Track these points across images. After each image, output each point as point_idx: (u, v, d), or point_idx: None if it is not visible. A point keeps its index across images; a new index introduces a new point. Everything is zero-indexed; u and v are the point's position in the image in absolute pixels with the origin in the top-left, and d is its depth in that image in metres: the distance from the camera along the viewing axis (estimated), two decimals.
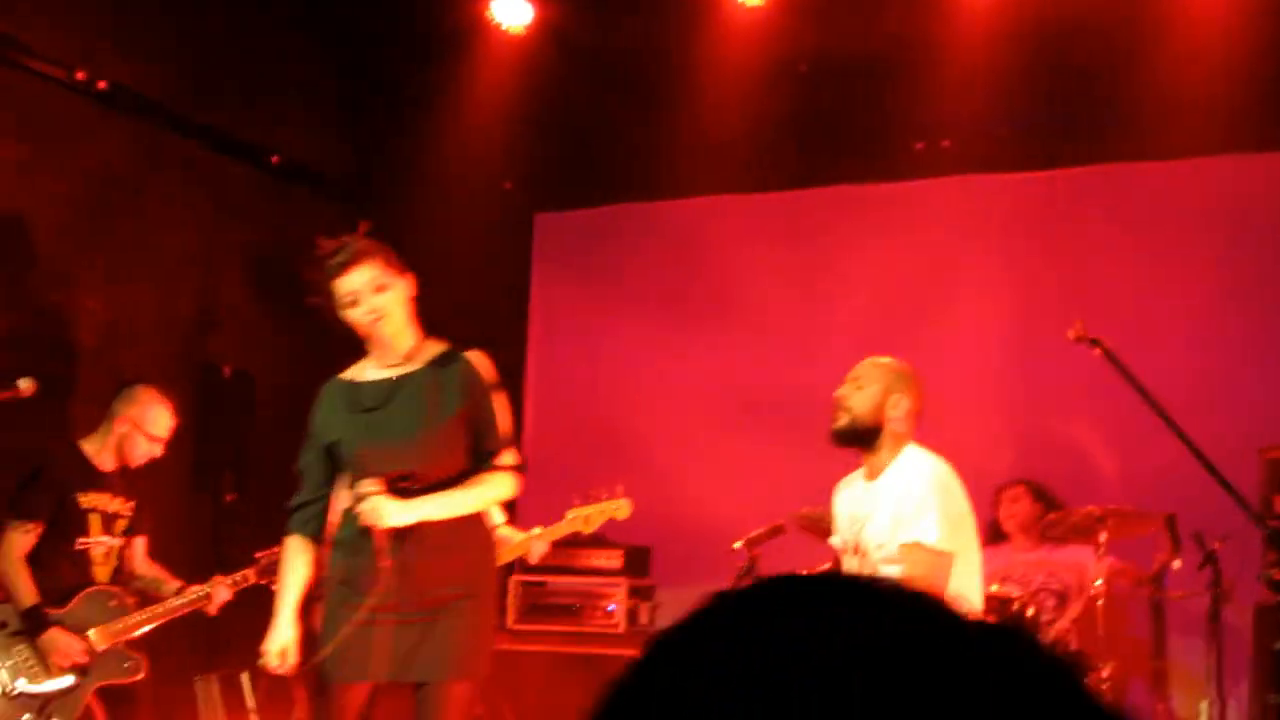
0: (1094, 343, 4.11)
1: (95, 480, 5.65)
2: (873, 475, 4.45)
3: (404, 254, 8.79)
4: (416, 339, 4.26)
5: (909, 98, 7.81)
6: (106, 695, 5.57)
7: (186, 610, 5.54)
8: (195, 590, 5.59)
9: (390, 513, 3.98)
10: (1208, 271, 7.32)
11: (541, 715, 7.11)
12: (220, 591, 5.52)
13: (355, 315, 4.16)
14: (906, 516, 4.22)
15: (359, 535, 4.08)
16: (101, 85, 7.33)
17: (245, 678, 7.32)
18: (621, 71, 8.37)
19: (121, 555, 5.71)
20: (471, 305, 8.83)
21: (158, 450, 5.78)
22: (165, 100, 7.85)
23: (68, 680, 5.35)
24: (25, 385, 5.29)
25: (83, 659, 5.34)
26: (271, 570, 5.08)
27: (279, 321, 8.63)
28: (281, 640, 4.22)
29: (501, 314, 8.86)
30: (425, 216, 9.00)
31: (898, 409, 4.41)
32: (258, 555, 5.44)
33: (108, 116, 7.51)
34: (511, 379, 8.78)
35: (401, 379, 4.21)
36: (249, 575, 5.52)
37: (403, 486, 4.06)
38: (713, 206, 8.70)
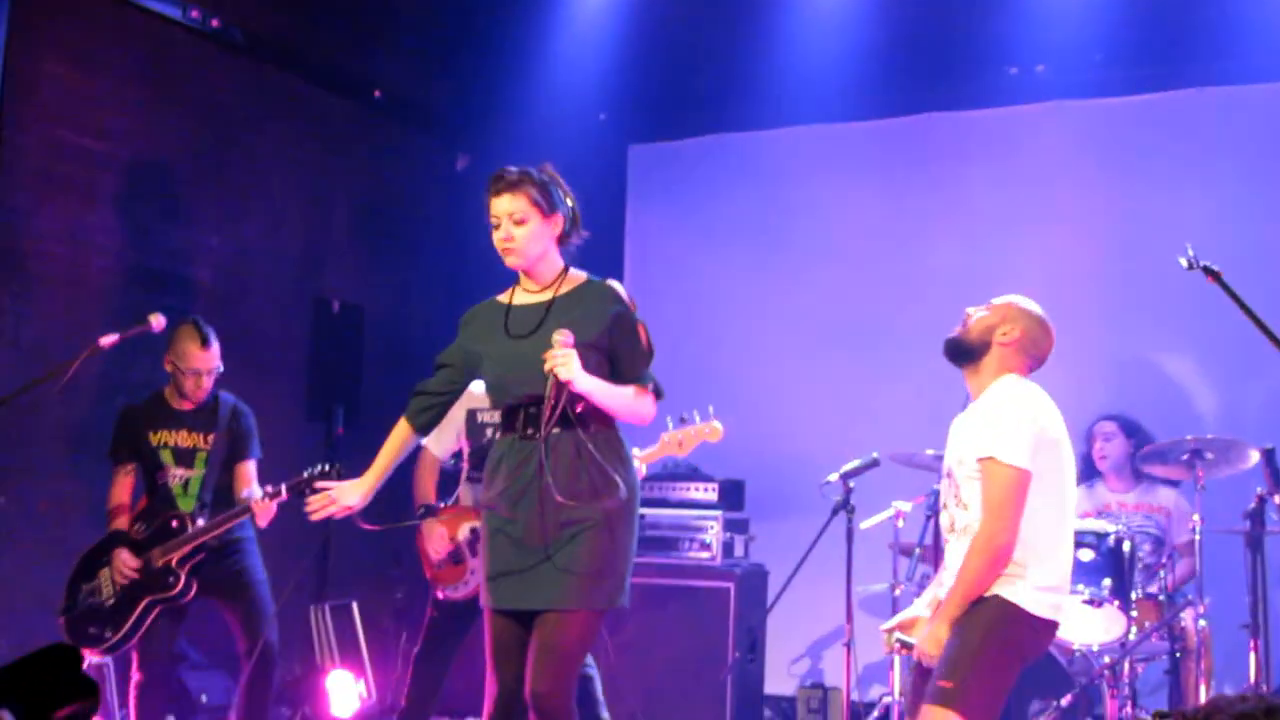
0: (1206, 269, 4.04)
1: (167, 419, 5.98)
2: (971, 398, 4.48)
3: None
4: (558, 270, 4.43)
5: (1002, 22, 7.73)
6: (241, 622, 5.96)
7: (228, 524, 5.76)
8: (240, 505, 5.85)
9: (575, 366, 4.13)
10: None
11: (638, 646, 7.22)
12: (260, 507, 5.70)
13: (495, 238, 4.38)
14: (986, 433, 4.24)
15: (509, 468, 4.29)
16: (214, 23, 7.46)
17: (355, 607, 7.52)
18: (715, 2, 8.35)
19: (216, 485, 5.95)
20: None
21: (203, 382, 5.92)
22: (273, 37, 7.99)
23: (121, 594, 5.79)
24: (156, 320, 5.49)
25: (132, 574, 5.73)
26: (301, 487, 5.45)
27: (385, 257, 8.78)
28: (350, 491, 4.52)
29: (596, 246, 8.86)
30: (522, 150, 9.03)
31: (1008, 336, 4.42)
32: (305, 474, 5.58)
33: (220, 55, 7.67)
34: None
35: (548, 307, 4.36)
36: (282, 490, 5.68)
37: (536, 411, 4.23)
38: (805, 137, 8.66)
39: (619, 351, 4.33)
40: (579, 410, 4.20)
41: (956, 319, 4.55)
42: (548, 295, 4.39)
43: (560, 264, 4.44)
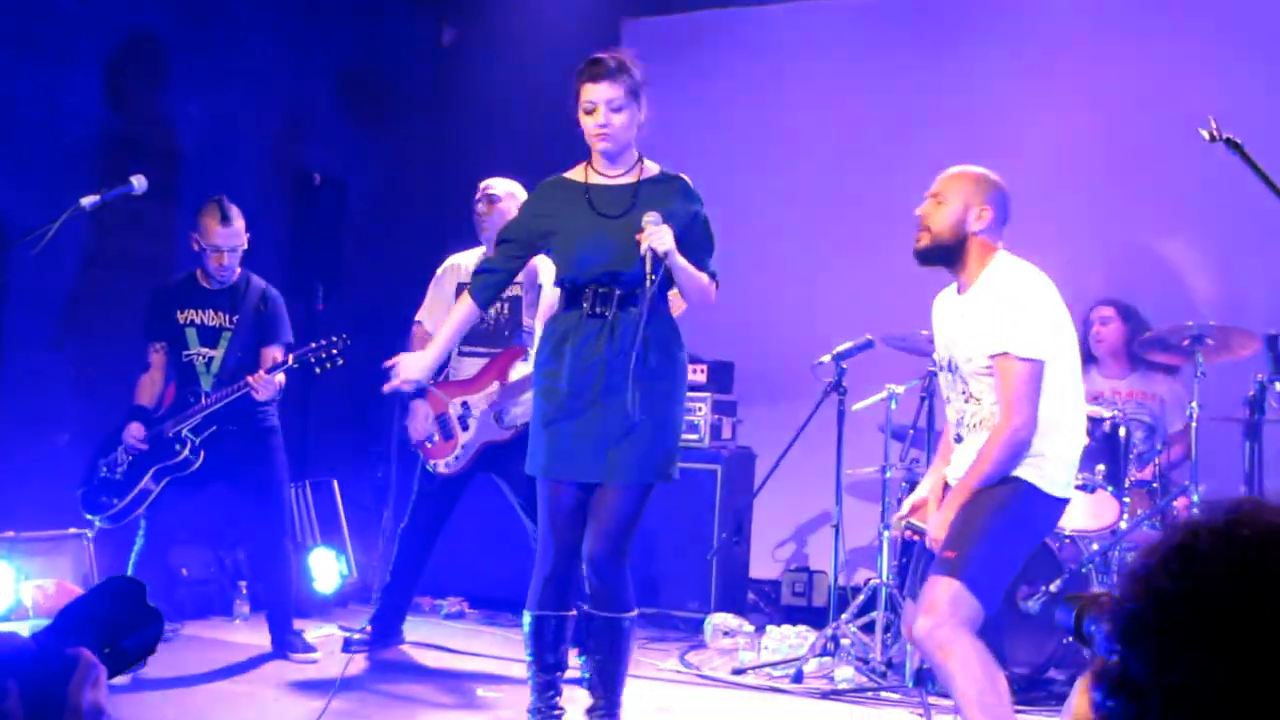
0: (1229, 141, 3.91)
1: (196, 298, 6.09)
2: (963, 289, 4.33)
3: (488, 65, 8.77)
4: (636, 156, 4.59)
5: None
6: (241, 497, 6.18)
7: (230, 398, 5.87)
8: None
9: (671, 240, 4.35)
10: None
11: None
12: (257, 379, 5.82)
13: (586, 124, 4.48)
14: (994, 327, 4.12)
15: (574, 346, 4.45)
16: None
17: (336, 484, 7.48)
18: None
19: (240, 366, 6.00)
20: (558, 113, 8.72)
21: (224, 259, 6.00)
22: None
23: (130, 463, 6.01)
24: (138, 182, 5.39)
25: (140, 444, 5.94)
26: (304, 359, 5.85)
27: (367, 130, 8.60)
28: (412, 364, 4.70)
29: None
30: (511, 24, 8.86)
31: (980, 221, 4.27)
32: (312, 345, 5.90)
33: None
34: None
35: (634, 191, 4.52)
36: (289, 359, 5.93)
37: (607, 291, 4.44)
38: (805, 11, 8.49)
39: (694, 244, 4.52)
40: (647, 290, 4.34)
41: None
42: (630, 179, 4.55)
43: (637, 152, 4.59)
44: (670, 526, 7.11)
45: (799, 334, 7.29)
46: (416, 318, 6.23)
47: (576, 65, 4.57)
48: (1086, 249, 7.31)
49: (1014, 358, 4.09)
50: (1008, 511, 4.12)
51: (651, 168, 4.60)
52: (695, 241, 4.52)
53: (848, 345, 6.32)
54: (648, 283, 4.31)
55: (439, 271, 6.27)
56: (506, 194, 6.05)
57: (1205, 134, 4.08)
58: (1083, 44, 7.65)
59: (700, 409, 7.32)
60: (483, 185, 6.15)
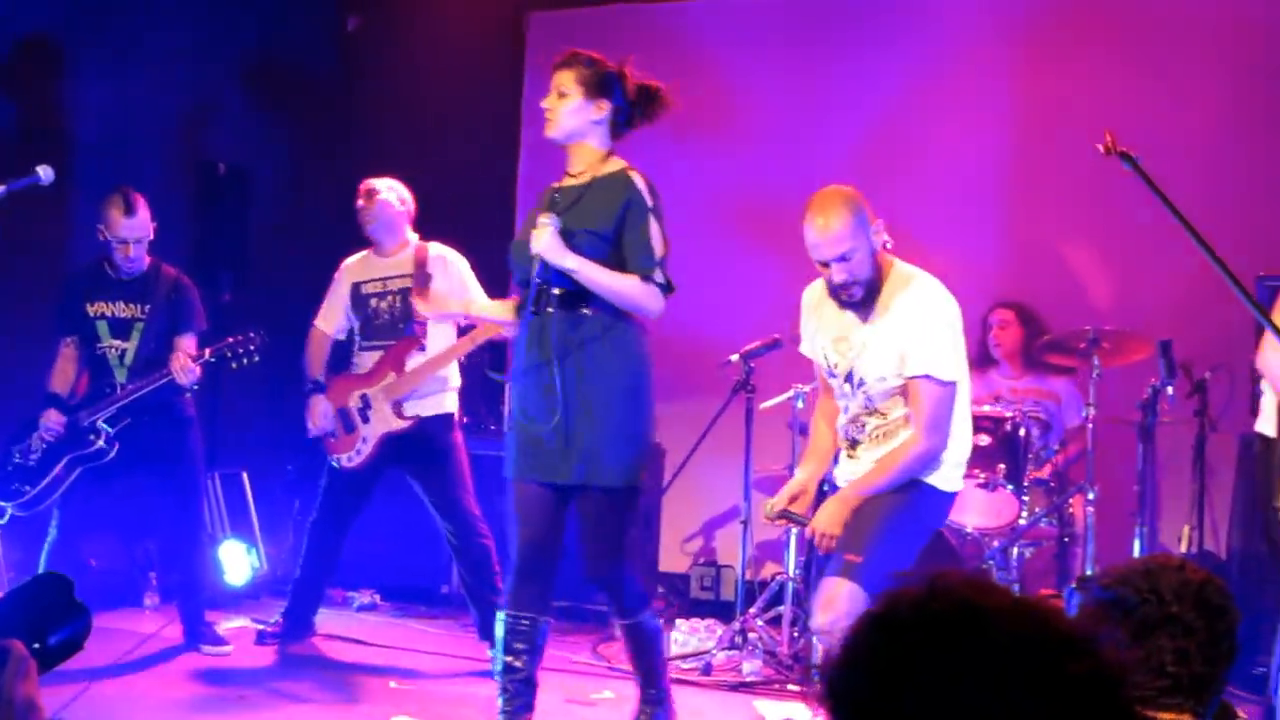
0: (1124, 156, 4.06)
1: (104, 289, 6.03)
2: (868, 306, 4.37)
3: (394, 53, 8.75)
4: (598, 156, 4.53)
5: None
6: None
7: (149, 389, 5.86)
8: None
9: (549, 242, 4.30)
10: (1213, 92, 7.24)
11: None
12: (178, 364, 5.80)
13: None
14: (914, 349, 4.22)
15: (521, 346, 4.50)
16: None
17: (246, 476, 7.46)
18: None
19: (153, 356, 5.97)
20: (463, 106, 8.74)
21: (130, 251, 5.95)
22: None
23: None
24: (44, 173, 5.28)
25: (55, 430, 5.90)
26: (223, 351, 5.87)
27: (273, 118, 8.54)
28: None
29: (491, 116, 8.76)
30: (416, 13, 8.85)
31: (879, 235, 4.36)
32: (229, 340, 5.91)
33: None
34: (503, 182, 8.78)
35: (581, 190, 4.49)
36: (205, 352, 5.89)
37: (542, 289, 4.39)
38: (710, 8, 8.55)
39: (624, 241, 4.43)
40: (562, 292, 4.35)
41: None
42: (585, 179, 4.52)
43: (602, 150, 4.54)
44: None
45: (709, 333, 7.38)
46: (315, 321, 6.35)
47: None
48: (986, 252, 7.49)
49: (935, 381, 4.21)
50: (908, 512, 4.28)
51: (613, 166, 4.54)
52: (630, 242, 4.43)
53: (756, 345, 6.44)
54: (533, 286, 4.33)
55: (336, 275, 6.36)
56: (387, 187, 6.20)
57: (1101, 148, 4.22)
58: (987, 53, 7.79)
59: None
60: (364, 183, 6.26)
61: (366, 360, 6.18)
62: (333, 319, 6.29)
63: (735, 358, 6.44)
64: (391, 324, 6.17)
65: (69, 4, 7.22)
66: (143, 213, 5.95)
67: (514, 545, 4.51)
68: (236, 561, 7.20)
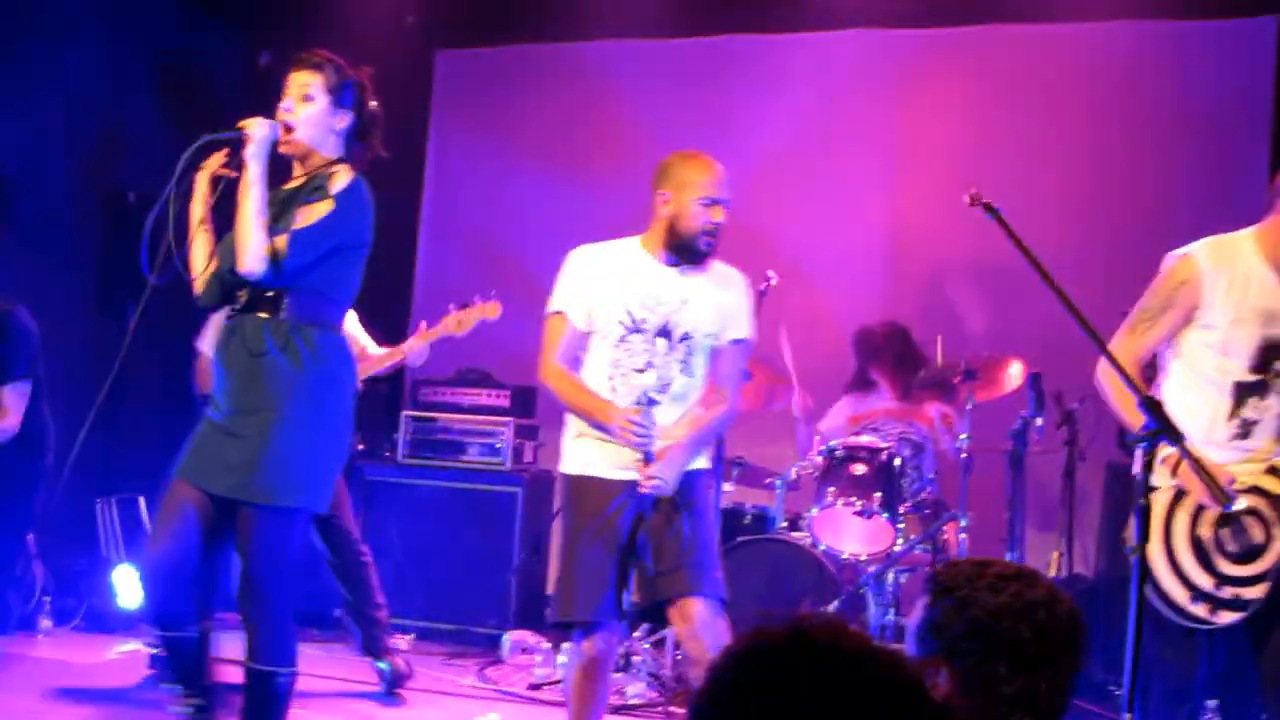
0: (987, 208, 4.27)
1: None
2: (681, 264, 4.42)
3: None
4: (327, 161, 4.28)
5: None
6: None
7: None
8: None
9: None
10: (1084, 134, 7.57)
11: (426, 547, 7.47)
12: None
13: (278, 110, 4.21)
14: (740, 312, 4.43)
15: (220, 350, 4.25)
16: None
17: (142, 501, 7.48)
18: None
19: None
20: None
21: None
22: None
23: None
24: None
25: None
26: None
27: (184, 147, 8.56)
28: None
29: (397, 151, 8.81)
30: (325, 47, 8.94)
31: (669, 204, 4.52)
32: None
33: None
34: (406, 216, 8.90)
35: (292, 193, 4.28)
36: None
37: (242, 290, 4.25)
38: (614, 51, 8.74)
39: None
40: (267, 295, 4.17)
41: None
42: (298, 184, 4.28)
43: (331, 156, 4.28)
44: (472, 547, 7.38)
45: None
46: (198, 345, 6.33)
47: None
48: (867, 281, 7.71)
49: (748, 346, 4.49)
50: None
51: (342, 172, 4.25)
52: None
53: None
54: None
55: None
56: None
57: (967, 199, 4.43)
58: (873, 95, 8.08)
59: (503, 433, 7.54)
60: None
61: None
62: (211, 338, 6.09)
63: None
64: None
65: None
66: None
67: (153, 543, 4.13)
68: (130, 586, 7.23)
